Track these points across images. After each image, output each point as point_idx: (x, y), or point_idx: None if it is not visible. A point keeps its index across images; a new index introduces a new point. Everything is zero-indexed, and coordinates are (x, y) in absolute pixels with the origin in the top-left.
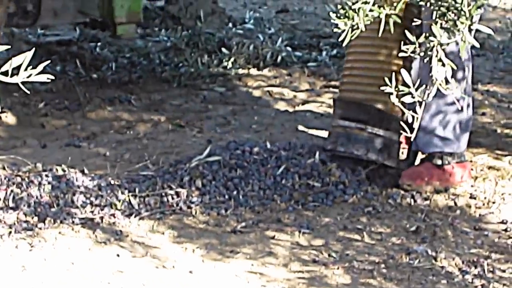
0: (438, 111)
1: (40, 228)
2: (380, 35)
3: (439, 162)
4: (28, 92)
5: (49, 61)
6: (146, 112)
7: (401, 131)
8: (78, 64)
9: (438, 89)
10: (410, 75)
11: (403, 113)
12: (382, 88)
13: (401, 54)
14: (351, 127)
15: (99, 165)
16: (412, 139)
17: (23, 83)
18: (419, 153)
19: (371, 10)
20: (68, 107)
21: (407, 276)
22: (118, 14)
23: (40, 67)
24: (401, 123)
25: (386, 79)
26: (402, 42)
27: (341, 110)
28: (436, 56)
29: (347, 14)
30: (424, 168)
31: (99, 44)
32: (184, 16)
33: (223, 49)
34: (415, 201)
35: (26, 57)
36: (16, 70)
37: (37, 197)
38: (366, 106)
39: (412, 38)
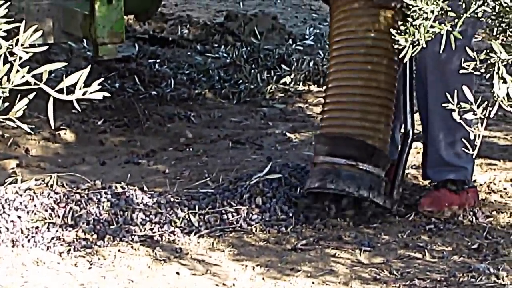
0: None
1: (99, 246)
2: (366, 63)
3: (453, 187)
4: (80, 110)
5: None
6: (205, 129)
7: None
8: (137, 80)
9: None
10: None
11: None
12: (444, 104)
13: (462, 71)
14: (340, 163)
15: (158, 182)
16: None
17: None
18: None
19: (432, 27)
20: (127, 124)
21: None
22: (100, 35)
23: (95, 85)
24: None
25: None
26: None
27: (327, 146)
28: (497, 73)
29: (408, 30)
30: (442, 194)
31: (158, 60)
32: (243, 32)
33: (283, 66)
34: (476, 218)
35: (81, 74)
36: (73, 87)
37: (96, 215)
38: (355, 141)
39: (472, 54)
